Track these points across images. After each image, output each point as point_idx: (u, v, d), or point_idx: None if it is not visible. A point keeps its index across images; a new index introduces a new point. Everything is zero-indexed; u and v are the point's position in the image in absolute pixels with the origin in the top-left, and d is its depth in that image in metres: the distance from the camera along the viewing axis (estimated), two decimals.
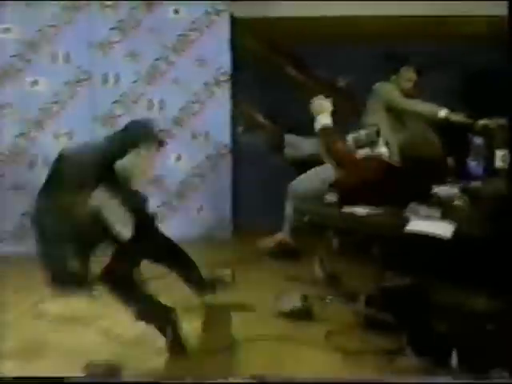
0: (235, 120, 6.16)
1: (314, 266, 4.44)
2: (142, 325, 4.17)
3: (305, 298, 4.15)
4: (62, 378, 2.87)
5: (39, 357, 3.79)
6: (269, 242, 5.58)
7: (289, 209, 5.37)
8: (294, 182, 5.32)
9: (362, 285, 4.00)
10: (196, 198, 6.19)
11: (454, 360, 3.36)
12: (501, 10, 4.07)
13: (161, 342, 3.91)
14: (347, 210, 3.92)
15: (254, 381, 3.20)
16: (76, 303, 4.55)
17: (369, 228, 3.83)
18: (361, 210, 3.84)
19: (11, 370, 3.60)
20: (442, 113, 5.33)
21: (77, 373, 3.49)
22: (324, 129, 4.15)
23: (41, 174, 5.67)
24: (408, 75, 5.61)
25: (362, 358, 3.62)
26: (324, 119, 4.17)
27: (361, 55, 5.63)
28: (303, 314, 4.10)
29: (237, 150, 6.22)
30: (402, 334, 3.65)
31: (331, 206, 4.09)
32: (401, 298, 3.72)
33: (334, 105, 4.28)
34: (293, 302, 4.18)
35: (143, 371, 3.61)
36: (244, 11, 6.11)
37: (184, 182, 6.17)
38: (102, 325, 4.20)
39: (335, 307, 4.16)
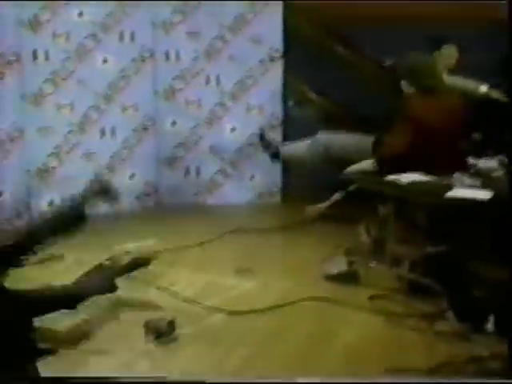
0: (286, 95, 5.94)
1: (359, 231, 4.25)
2: (198, 284, 4.09)
3: (351, 262, 3.98)
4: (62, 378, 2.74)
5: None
6: (315, 209, 5.40)
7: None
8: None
9: (405, 250, 3.81)
10: (249, 166, 6.02)
11: (491, 325, 3.20)
12: None
13: (216, 300, 3.82)
14: (392, 177, 3.74)
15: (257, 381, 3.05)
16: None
17: (413, 195, 3.66)
18: (405, 178, 3.66)
19: (80, 323, 3.51)
20: (483, 88, 5.05)
21: (138, 328, 3.40)
22: None
23: (111, 143, 5.69)
24: (450, 53, 5.34)
25: (404, 321, 3.44)
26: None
27: (407, 36, 5.34)
28: (349, 278, 3.94)
29: (287, 122, 6.00)
30: (444, 299, 3.48)
31: (377, 173, 3.92)
32: (443, 264, 3.53)
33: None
34: (339, 265, 4.02)
35: (199, 328, 3.50)
36: None
37: (238, 152, 5.99)
38: (162, 283, 4.10)
39: (379, 272, 3.97)
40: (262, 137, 5.75)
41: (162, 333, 3.35)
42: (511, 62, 4.04)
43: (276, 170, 6.03)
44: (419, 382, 2.90)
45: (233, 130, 5.94)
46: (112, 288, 3.52)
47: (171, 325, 3.39)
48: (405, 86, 4.17)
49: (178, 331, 3.39)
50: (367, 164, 4.08)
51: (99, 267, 3.59)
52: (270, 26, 5.80)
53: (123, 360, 3.16)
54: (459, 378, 2.89)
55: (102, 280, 3.49)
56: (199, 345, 3.31)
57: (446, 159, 3.83)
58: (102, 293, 3.46)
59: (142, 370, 3.10)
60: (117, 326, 3.52)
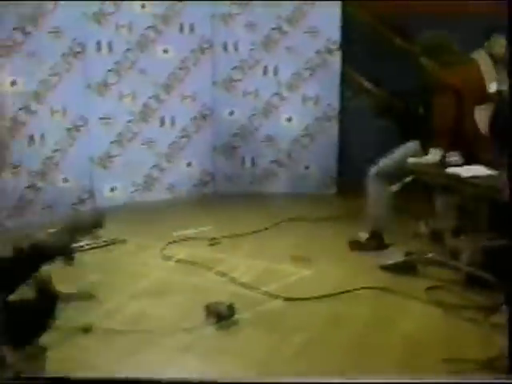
0: (344, 85, 5.96)
1: (417, 222, 4.26)
2: (255, 270, 4.18)
3: (408, 253, 4.00)
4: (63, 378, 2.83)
5: (166, 295, 3.85)
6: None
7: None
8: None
9: (463, 243, 3.81)
10: (304, 156, 6.07)
11: None
12: None
13: (273, 286, 3.90)
14: (454, 170, 3.74)
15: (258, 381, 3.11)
16: (197, 249, 4.61)
17: (472, 189, 3.65)
18: (466, 172, 3.66)
19: (144, 306, 3.65)
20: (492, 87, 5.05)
21: (199, 310, 3.50)
22: None
23: (170, 132, 5.82)
24: (499, 42, 5.30)
25: (461, 313, 3.46)
26: None
27: (463, 29, 5.30)
28: (405, 268, 3.97)
29: (344, 113, 6.02)
30: (500, 292, 3.47)
31: (436, 165, 3.92)
32: (500, 258, 3.52)
33: None
34: (395, 256, 4.04)
35: (257, 313, 3.59)
36: None
37: (294, 142, 6.05)
38: (220, 269, 4.20)
39: (437, 263, 3.98)
40: None
41: (223, 316, 3.46)
42: (511, 62, 3.99)
43: (331, 159, 6.06)
44: (420, 382, 2.93)
45: (289, 120, 5.99)
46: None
47: (231, 309, 3.49)
48: (424, 61, 4.22)
49: (237, 315, 3.49)
50: (432, 156, 4.05)
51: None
52: (328, 17, 5.82)
53: (186, 341, 3.27)
54: (460, 378, 2.91)
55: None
56: (258, 329, 3.41)
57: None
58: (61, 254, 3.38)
59: (203, 351, 3.21)
60: (179, 308, 3.64)
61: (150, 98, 5.71)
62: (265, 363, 3.06)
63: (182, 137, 5.90)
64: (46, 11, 5.03)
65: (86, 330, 3.31)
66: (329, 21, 5.83)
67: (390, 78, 5.75)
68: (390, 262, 4.03)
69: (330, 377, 2.90)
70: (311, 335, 3.30)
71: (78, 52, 5.27)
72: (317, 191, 6.07)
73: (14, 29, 4.83)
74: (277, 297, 3.75)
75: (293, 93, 5.96)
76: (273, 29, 5.90)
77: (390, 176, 4.47)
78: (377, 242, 4.39)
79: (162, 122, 5.80)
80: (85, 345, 3.20)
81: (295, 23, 5.88)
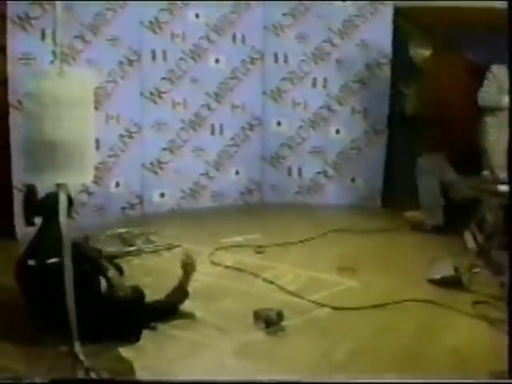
0: (392, 100, 6.06)
1: (465, 238, 4.34)
2: (302, 279, 4.30)
3: (456, 267, 4.08)
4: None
5: (216, 300, 3.99)
6: (417, 214, 5.52)
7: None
8: None
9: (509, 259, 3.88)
10: (351, 169, 6.20)
11: None
12: None
13: (320, 295, 4.02)
14: (502, 187, 3.82)
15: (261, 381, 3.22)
16: (245, 256, 4.76)
17: None
18: None
19: (194, 310, 3.79)
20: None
21: (247, 316, 3.64)
22: None
23: (219, 141, 5.99)
24: None
25: (507, 328, 3.52)
26: None
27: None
28: (453, 283, 4.05)
29: (392, 127, 6.12)
30: None
31: (485, 182, 3.99)
32: None
33: None
34: (444, 270, 4.13)
35: (305, 320, 3.72)
36: (405, 1, 5.96)
37: (341, 154, 6.18)
38: (267, 276, 4.34)
39: (484, 278, 4.06)
40: None
41: (272, 322, 3.59)
42: (511, 64, 4.04)
43: (378, 173, 6.16)
44: (420, 382, 3.01)
45: (337, 132, 6.12)
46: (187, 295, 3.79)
47: (279, 315, 3.63)
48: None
49: (285, 322, 3.62)
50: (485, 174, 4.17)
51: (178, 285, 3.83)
52: (379, 30, 5.95)
53: (235, 346, 3.41)
54: (460, 378, 2.98)
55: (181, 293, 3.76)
56: (306, 336, 3.53)
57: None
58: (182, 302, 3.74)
59: (253, 356, 3.34)
60: (228, 313, 3.78)
61: (201, 106, 5.91)
62: (314, 369, 3.18)
63: (231, 145, 6.08)
64: (105, 20, 5.26)
65: (152, 328, 3.49)
66: (380, 34, 5.95)
67: None
68: (438, 275, 4.11)
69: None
70: (360, 344, 3.41)
71: (134, 60, 5.49)
72: (362, 204, 6.18)
73: (74, 37, 5.06)
74: (324, 305, 3.87)
75: (341, 105, 6.09)
76: (324, 41, 6.04)
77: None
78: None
79: (212, 131, 5.99)
80: (138, 346, 3.34)
81: (346, 36, 6.02)
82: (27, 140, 2.95)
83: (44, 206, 3.50)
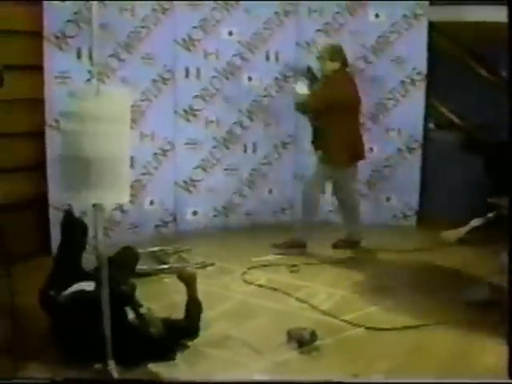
0: (427, 117, 6.09)
1: (502, 257, 4.32)
2: (335, 298, 4.33)
3: (493, 289, 4.07)
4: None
5: (248, 318, 4.05)
6: (453, 233, 5.52)
7: None
8: None
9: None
10: (385, 187, 6.23)
11: None
12: None
13: (353, 315, 4.04)
14: None
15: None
16: (277, 275, 4.81)
17: None
18: None
19: (224, 328, 3.86)
20: None
21: (281, 335, 3.68)
22: None
23: (251, 159, 6.07)
24: None
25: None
26: None
27: None
28: (490, 304, 4.03)
29: (427, 145, 6.14)
30: None
31: None
32: None
33: None
34: (480, 292, 4.12)
35: (339, 340, 3.75)
36: (440, 16, 6.00)
37: (375, 173, 6.22)
38: (300, 295, 4.38)
39: None
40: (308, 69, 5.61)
41: (305, 342, 3.64)
42: (511, 63, 4.01)
43: (413, 191, 6.16)
44: (421, 382, 2.99)
45: (371, 150, 6.15)
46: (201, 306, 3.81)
47: (313, 335, 3.67)
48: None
49: (318, 342, 3.66)
50: None
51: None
52: (414, 47, 5.98)
53: (268, 365, 3.46)
54: (460, 378, 2.98)
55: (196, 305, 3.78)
56: (340, 356, 3.57)
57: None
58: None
59: (286, 375, 3.38)
60: (261, 332, 3.83)
61: (233, 124, 6.00)
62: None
63: (264, 164, 6.15)
64: (139, 38, 5.40)
65: (184, 346, 3.55)
66: (415, 50, 5.99)
67: (475, 110, 5.85)
68: (474, 298, 4.11)
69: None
70: (395, 364, 3.43)
71: (167, 78, 5.62)
72: (397, 222, 6.19)
73: (110, 55, 5.20)
74: (358, 325, 3.90)
75: (375, 123, 6.14)
76: (357, 58, 6.10)
77: None
78: None
79: (245, 149, 6.07)
80: (171, 363, 3.40)
81: (380, 52, 6.07)
82: (64, 159, 3.05)
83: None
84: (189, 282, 3.74)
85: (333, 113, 5.10)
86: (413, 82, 6.04)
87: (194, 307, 3.69)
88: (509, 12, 3.30)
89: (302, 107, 5.35)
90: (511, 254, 3.16)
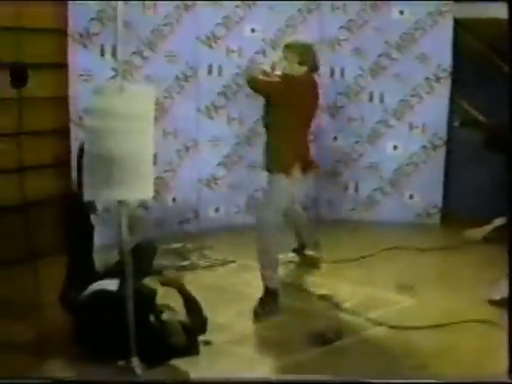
0: (452, 115, 6.04)
1: None
2: (358, 296, 4.32)
3: None
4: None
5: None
6: (476, 232, 5.48)
7: None
8: None
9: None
10: (408, 185, 6.20)
11: None
12: None
13: (377, 313, 4.03)
14: None
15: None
16: (300, 272, 4.81)
17: None
18: None
19: (246, 325, 3.90)
20: None
21: (303, 333, 3.69)
22: None
23: None
24: None
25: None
26: None
27: None
28: None
29: (452, 143, 6.10)
30: None
31: None
32: None
33: None
34: (505, 290, 4.07)
35: (362, 339, 3.74)
36: (465, 12, 5.95)
37: (398, 170, 6.18)
38: (323, 293, 4.38)
39: None
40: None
41: (328, 340, 3.64)
42: (511, 63, 3.95)
43: (436, 190, 6.13)
44: (421, 382, 2.95)
45: (395, 148, 6.13)
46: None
47: (336, 333, 3.67)
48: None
49: (342, 340, 3.66)
50: None
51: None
52: (439, 44, 5.94)
53: (291, 363, 3.46)
54: (459, 378, 2.97)
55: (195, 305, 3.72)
56: (364, 354, 3.57)
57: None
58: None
59: (309, 374, 3.38)
60: (284, 329, 3.83)
61: (255, 121, 5.99)
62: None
63: None
64: (162, 36, 5.42)
65: (207, 343, 3.57)
66: (440, 47, 5.94)
67: (499, 108, 5.78)
68: (499, 296, 4.07)
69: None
70: (419, 363, 3.42)
71: (190, 75, 5.64)
72: (420, 221, 6.16)
73: (133, 53, 5.23)
74: (382, 324, 3.89)
75: (399, 120, 6.11)
76: (380, 55, 6.07)
77: None
78: None
79: None
80: (192, 360, 3.41)
81: (404, 49, 6.04)
82: (88, 156, 3.07)
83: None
84: (175, 285, 3.66)
85: (282, 115, 4.28)
86: (437, 79, 6.00)
87: (193, 305, 3.63)
88: (509, 12, 3.28)
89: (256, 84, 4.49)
90: (511, 253, 3.14)
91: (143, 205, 5.43)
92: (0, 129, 4.52)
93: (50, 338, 3.55)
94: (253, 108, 5.92)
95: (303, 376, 3.22)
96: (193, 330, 3.49)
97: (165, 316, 3.43)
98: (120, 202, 3.05)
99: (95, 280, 3.59)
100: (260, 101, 5.89)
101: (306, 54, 4.43)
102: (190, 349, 3.39)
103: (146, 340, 3.24)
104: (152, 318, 3.38)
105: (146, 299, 3.41)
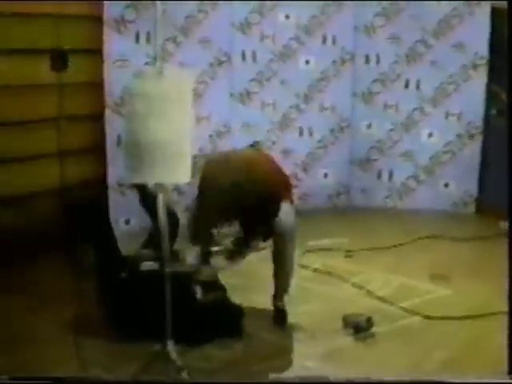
0: (489, 103, 5.94)
1: None
2: (392, 285, 4.30)
3: None
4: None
5: (304, 303, 4.05)
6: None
7: None
8: None
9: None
10: (444, 174, 6.12)
11: None
12: None
13: (410, 302, 4.00)
14: None
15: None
16: (333, 260, 4.79)
17: None
18: None
19: None
20: None
21: (336, 321, 3.68)
22: None
23: (307, 142, 6.04)
24: None
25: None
26: None
27: None
28: None
29: (488, 132, 6.00)
30: None
31: None
32: None
33: None
34: None
35: (395, 328, 3.72)
36: (503, 1, 5.83)
37: (433, 158, 6.11)
38: (356, 281, 4.36)
39: None
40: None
41: (361, 328, 3.62)
42: (511, 62, 3.84)
43: (472, 178, 6.05)
44: (421, 382, 2.91)
45: (429, 135, 6.05)
46: None
47: (369, 321, 3.65)
48: None
49: (374, 328, 3.64)
50: None
51: None
52: (476, 31, 5.84)
53: (323, 350, 3.46)
54: (460, 378, 2.93)
55: None
56: (396, 343, 3.55)
57: None
58: None
59: (341, 361, 3.38)
60: (316, 316, 3.83)
61: (289, 107, 5.98)
62: (404, 376, 3.19)
63: (319, 147, 6.12)
64: (196, 21, 5.42)
65: None
66: (477, 35, 5.84)
67: None
68: None
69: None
70: (452, 354, 3.39)
71: (223, 61, 5.63)
72: (454, 209, 6.09)
73: (167, 39, 5.23)
74: (415, 313, 3.86)
75: (435, 108, 6.03)
76: (417, 41, 5.99)
77: None
78: None
79: (301, 132, 6.05)
80: (226, 345, 3.46)
81: (441, 36, 5.95)
82: (127, 139, 3.09)
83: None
84: None
85: None
86: (474, 66, 5.90)
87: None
88: (509, 11, 3.22)
89: None
90: (511, 253, 3.10)
91: (177, 189, 5.45)
92: (41, 114, 4.58)
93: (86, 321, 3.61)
94: (287, 94, 5.94)
95: (303, 376, 3.21)
96: (237, 312, 3.53)
97: (208, 296, 3.47)
98: (158, 185, 3.08)
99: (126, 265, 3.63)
100: (295, 88, 5.94)
101: None
102: (232, 331, 3.41)
103: (188, 321, 3.27)
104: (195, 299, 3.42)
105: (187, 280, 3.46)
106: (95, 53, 4.97)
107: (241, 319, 3.60)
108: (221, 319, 3.46)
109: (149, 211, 3.82)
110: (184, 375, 3.00)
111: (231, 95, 5.74)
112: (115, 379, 3.11)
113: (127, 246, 3.96)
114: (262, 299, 3.95)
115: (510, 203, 3.43)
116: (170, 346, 3.08)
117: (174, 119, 2.95)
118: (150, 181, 3.09)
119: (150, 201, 3.83)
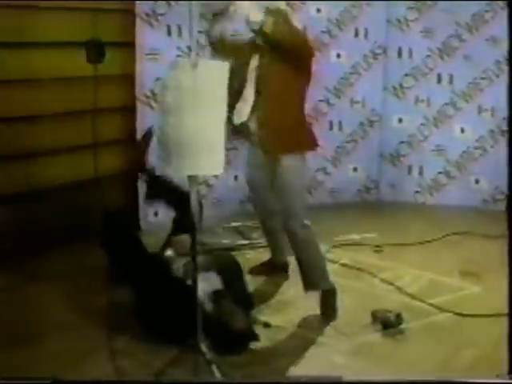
0: None
1: None
2: (422, 281, 4.26)
3: None
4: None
5: None
6: None
7: None
8: None
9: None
10: (475, 170, 6.04)
11: None
12: None
13: (440, 299, 3.97)
14: None
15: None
16: (361, 255, 4.77)
17: None
18: None
19: (307, 307, 3.86)
20: None
21: (365, 316, 3.65)
22: None
23: (336, 136, 6.01)
24: None
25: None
26: None
27: None
28: None
29: None
30: None
31: None
32: None
33: None
34: None
35: (425, 324, 3.69)
36: None
37: (465, 154, 6.03)
38: (385, 276, 4.33)
39: None
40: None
41: (390, 324, 3.60)
42: (511, 62, 3.73)
43: (504, 175, 5.93)
44: (421, 381, 2.87)
45: (462, 130, 5.98)
46: None
47: (398, 317, 3.62)
48: None
49: (404, 325, 3.61)
50: None
51: None
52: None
53: (351, 346, 3.44)
54: (460, 378, 2.90)
55: None
56: (426, 340, 3.52)
57: None
58: None
59: (369, 356, 3.36)
60: (345, 312, 3.81)
61: (320, 101, 5.92)
62: (433, 374, 3.16)
63: (349, 141, 6.08)
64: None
65: (266, 325, 3.58)
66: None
67: None
68: None
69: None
70: (483, 353, 3.35)
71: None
72: (485, 206, 6.01)
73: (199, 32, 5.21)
74: (445, 310, 3.82)
75: (468, 103, 5.95)
76: (450, 36, 5.91)
77: None
78: None
79: (331, 126, 6.02)
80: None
81: (475, 31, 5.86)
82: (161, 130, 3.09)
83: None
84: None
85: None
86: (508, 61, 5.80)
87: None
88: (509, 11, 3.15)
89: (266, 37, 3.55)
90: (511, 252, 3.04)
91: (206, 182, 5.46)
92: (78, 106, 4.62)
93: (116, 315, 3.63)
94: (317, 88, 5.90)
95: (304, 376, 3.19)
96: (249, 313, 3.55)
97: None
98: (190, 177, 3.08)
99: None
100: (325, 81, 5.89)
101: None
102: (249, 335, 3.41)
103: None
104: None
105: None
106: (128, 46, 4.99)
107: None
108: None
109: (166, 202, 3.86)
110: (213, 368, 3.00)
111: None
112: (115, 380, 3.11)
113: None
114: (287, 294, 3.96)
115: (510, 203, 3.36)
116: (200, 339, 3.08)
117: (208, 109, 2.93)
118: (183, 172, 3.08)
119: (163, 193, 3.89)
